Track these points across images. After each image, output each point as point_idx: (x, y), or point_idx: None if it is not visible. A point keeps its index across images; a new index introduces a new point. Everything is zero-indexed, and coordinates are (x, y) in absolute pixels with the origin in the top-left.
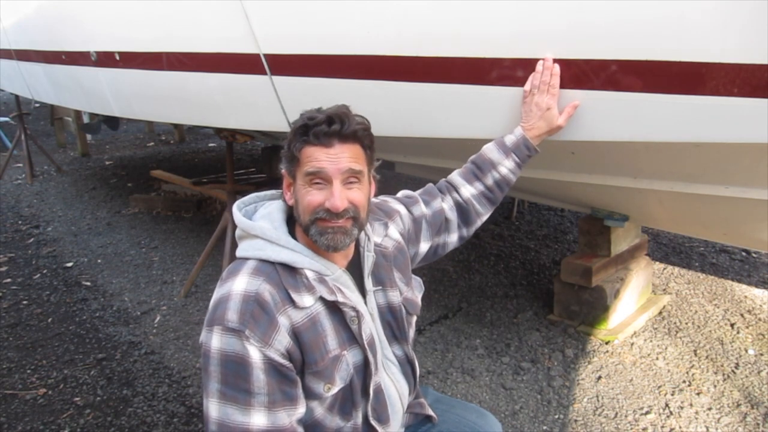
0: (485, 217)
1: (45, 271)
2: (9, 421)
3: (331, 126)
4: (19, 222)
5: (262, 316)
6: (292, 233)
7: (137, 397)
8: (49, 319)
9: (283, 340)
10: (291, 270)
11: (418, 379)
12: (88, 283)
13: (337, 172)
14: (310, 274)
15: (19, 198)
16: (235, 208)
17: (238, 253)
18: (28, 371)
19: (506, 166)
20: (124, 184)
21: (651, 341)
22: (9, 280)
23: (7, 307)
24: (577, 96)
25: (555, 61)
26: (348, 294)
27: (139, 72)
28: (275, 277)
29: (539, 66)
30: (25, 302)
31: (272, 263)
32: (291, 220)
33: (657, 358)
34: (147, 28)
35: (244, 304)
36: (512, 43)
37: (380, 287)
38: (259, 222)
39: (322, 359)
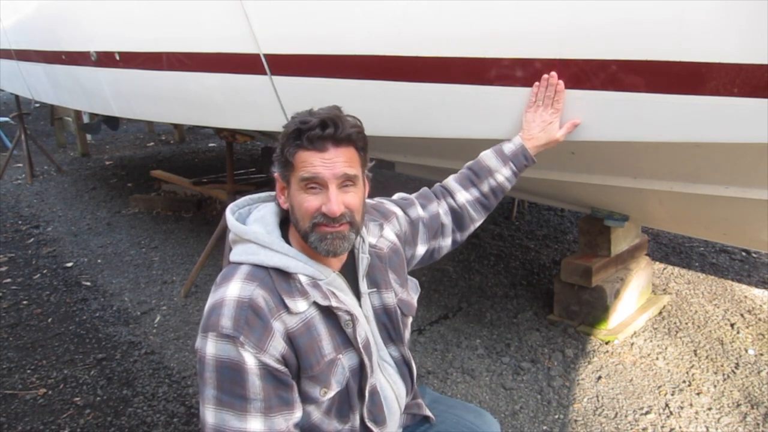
0: (479, 223)
1: (45, 271)
2: (9, 421)
3: (324, 130)
4: (19, 222)
5: (257, 321)
6: (285, 236)
7: (137, 397)
8: (49, 319)
9: (278, 346)
10: (284, 275)
11: (415, 380)
12: (88, 283)
13: (332, 177)
14: (303, 279)
15: (19, 198)
16: (228, 211)
17: (232, 257)
18: (28, 371)
19: (503, 174)
20: (124, 184)
21: (651, 341)
22: (9, 280)
23: (7, 307)
24: (577, 96)
25: (554, 60)
26: (342, 297)
27: (139, 72)
28: (269, 282)
29: (544, 81)
30: (25, 302)
31: (266, 268)
32: (284, 223)
33: (657, 358)
34: (147, 28)
35: (238, 310)
36: (512, 43)
37: (375, 289)
38: (252, 226)
39: (318, 364)
